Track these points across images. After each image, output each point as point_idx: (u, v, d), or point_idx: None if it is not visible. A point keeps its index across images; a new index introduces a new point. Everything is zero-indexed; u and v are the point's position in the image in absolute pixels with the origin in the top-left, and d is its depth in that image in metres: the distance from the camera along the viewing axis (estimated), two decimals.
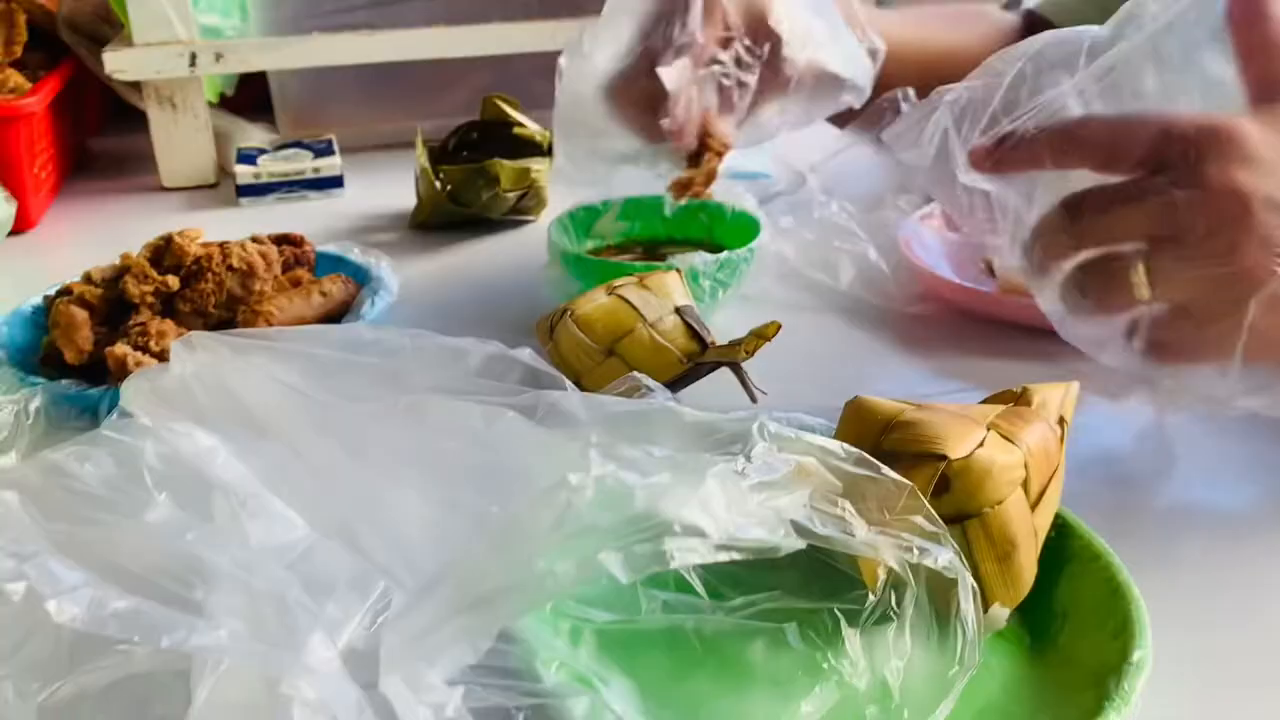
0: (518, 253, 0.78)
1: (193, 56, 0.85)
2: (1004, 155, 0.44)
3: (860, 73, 0.68)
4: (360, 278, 0.67)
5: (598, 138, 0.66)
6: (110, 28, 0.93)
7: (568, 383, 0.42)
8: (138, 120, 0.92)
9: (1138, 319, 0.42)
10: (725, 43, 0.64)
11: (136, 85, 0.89)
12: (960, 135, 0.47)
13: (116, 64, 0.84)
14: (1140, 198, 0.41)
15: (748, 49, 0.64)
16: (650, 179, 0.68)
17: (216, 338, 0.46)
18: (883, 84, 0.69)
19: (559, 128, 0.67)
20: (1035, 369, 0.57)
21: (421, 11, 0.92)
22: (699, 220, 0.71)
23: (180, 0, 0.85)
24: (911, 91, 0.68)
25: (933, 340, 0.62)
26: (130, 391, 0.43)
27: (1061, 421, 0.40)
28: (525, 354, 0.44)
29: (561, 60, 0.65)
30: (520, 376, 0.45)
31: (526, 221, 0.83)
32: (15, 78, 0.81)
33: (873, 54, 0.69)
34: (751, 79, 0.64)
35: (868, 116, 0.70)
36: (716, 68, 0.64)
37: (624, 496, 0.31)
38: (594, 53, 0.64)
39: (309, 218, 0.84)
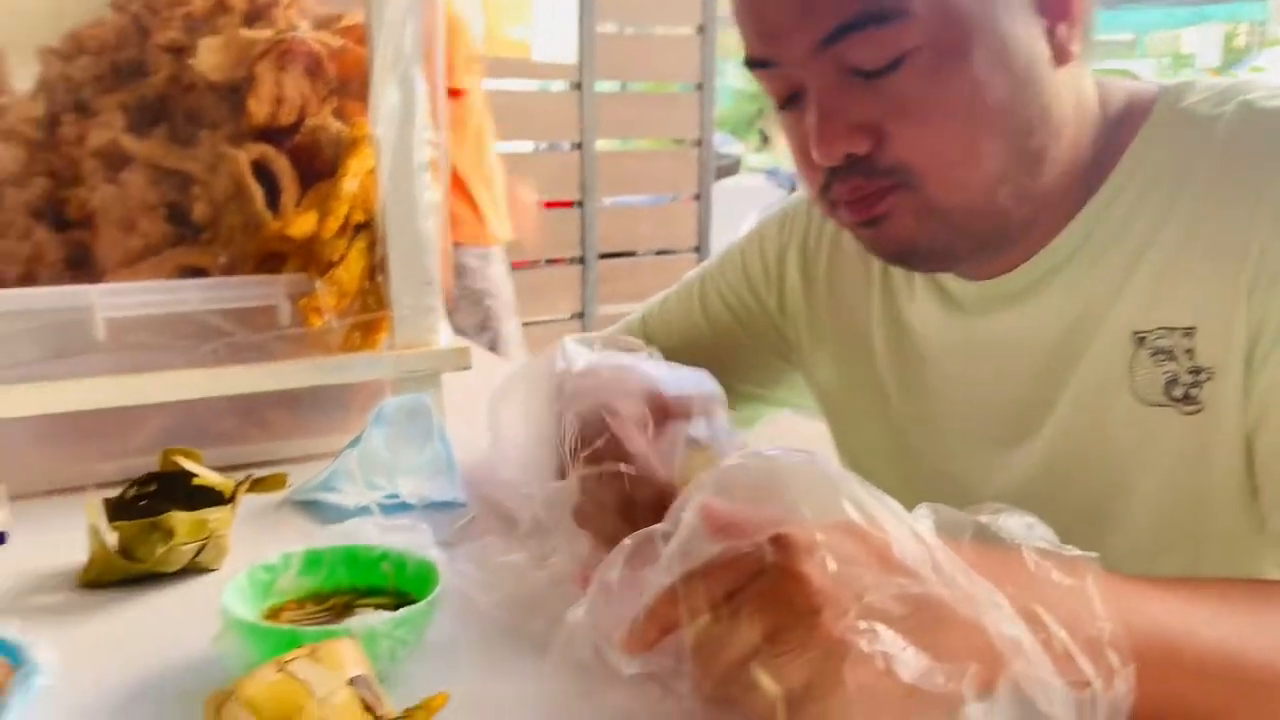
0: (194, 612, 0.75)
1: None
2: (647, 634, 0.53)
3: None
4: (11, 658, 0.63)
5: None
6: None
7: None
8: None
9: (777, 713, 0.48)
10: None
11: None
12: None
13: None
14: (739, 611, 0.48)
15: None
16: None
17: None
18: None
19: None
20: None
21: (99, 362, 0.93)
22: (381, 570, 0.73)
23: None
24: None
25: (619, 685, 0.65)
26: None
27: None
28: None
29: None
30: None
31: (207, 571, 0.82)
32: None
33: None
34: None
35: None
36: None
37: None
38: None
39: None
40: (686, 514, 0.54)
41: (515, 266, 3.12)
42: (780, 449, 0.56)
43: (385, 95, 0.96)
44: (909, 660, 0.47)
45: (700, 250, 4.63)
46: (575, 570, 0.73)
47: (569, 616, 0.58)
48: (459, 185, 2.74)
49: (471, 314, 2.82)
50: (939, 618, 0.48)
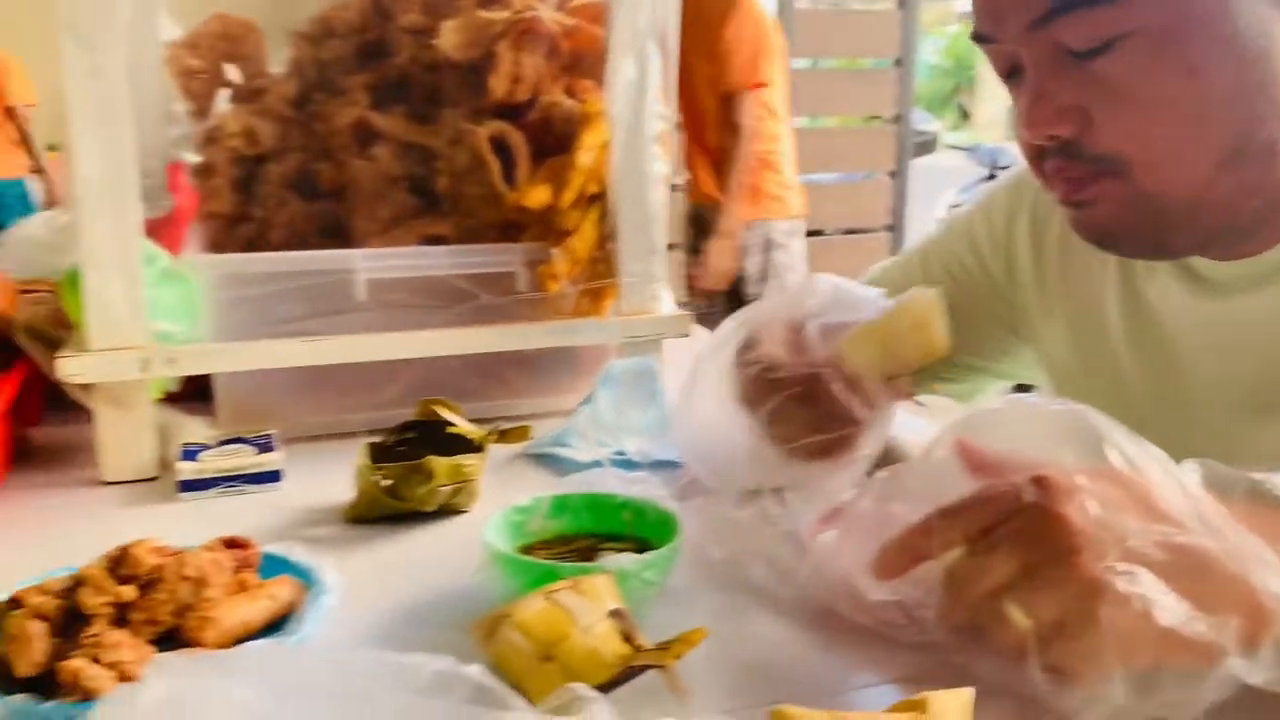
0: (452, 547, 0.82)
1: (146, 361, 0.91)
2: (898, 562, 0.55)
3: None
4: (304, 578, 0.70)
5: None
6: (63, 329, 0.98)
7: (519, 701, 0.46)
8: (74, 410, 0.96)
9: (1027, 646, 0.49)
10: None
11: (86, 385, 0.94)
12: None
13: (70, 369, 0.90)
14: (996, 547, 0.49)
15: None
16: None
17: (185, 661, 0.49)
18: None
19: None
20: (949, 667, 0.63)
21: (359, 320, 1.01)
22: (621, 517, 0.77)
23: (136, 309, 0.91)
24: None
25: (848, 634, 0.68)
26: (105, 714, 0.46)
27: None
28: (475, 671, 0.48)
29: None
30: (470, 694, 0.49)
31: (459, 513, 0.89)
32: None
33: None
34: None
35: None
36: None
37: None
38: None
39: (248, 511, 0.88)
40: (939, 450, 0.56)
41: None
42: (1036, 396, 0.57)
43: (621, 71, 1.00)
44: (1169, 605, 0.47)
45: (894, 230, 4.54)
46: (807, 526, 0.76)
47: (820, 540, 0.61)
48: (769, 163, 2.85)
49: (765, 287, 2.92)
50: (1202, 567, 0.48)
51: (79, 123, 0.87)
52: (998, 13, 0.69)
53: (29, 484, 0.94)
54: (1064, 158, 0.69)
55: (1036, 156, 0.72)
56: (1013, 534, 0.51)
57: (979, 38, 0.72)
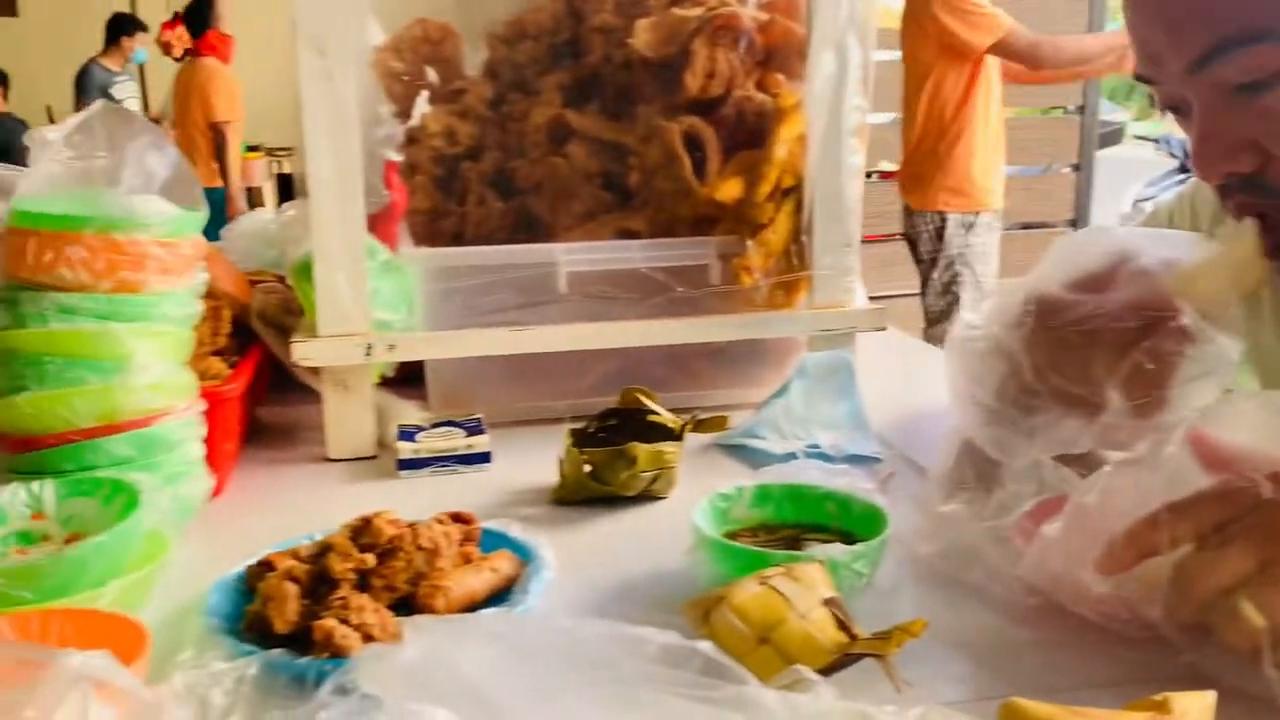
0: (655, 530, 0.84)
1: (369, 347, 0.97)
2: (1124, 557, 0.55)
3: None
4: (521, 554, 0.74)
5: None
6: (291, 316, 1.06)
7: (749, 677, 0.48)
8: (296, 390, 1.04)
9: (1261, 645, 0.48)
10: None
11: (314, 369, 1.01)
12: None
13: (303, 353, 0.96)
14: (1230, 542, 0.48)
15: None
16: None
17: (437, 622, 0.53)
18: None
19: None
20: (1173, 666, 0.61)
21: (559, 311, 1.05)
22: (825, 509, 0.77)
23: (360, 299, 0.98)
24: None
25: (1068, 631, 0.66)
26: (366, 671, 0.49)
27: None
28: (705, 646, 0.50)
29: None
30: (700, 667, 0.50)
31: (658, 499, 0.91)
32: (216, 365, 0.93)
33: None
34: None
35: None
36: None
37: None
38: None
39: (460, 489, 0.93)
40: (1172, 445, 0.55)
41: (867, 240, 3.15)
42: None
43: (820, 64, 1.01)
44: None
45: (1077, 225, 4.35)
46: (1016, 524, 0.74)
47: (1044, 531, 0.60)
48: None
49: (943, 274, 2.88)
50: None
51: (313, 126, 0.93)
52: (1155, 56, 0.67)
53: (261, 459, 1.01)
54: (1247, 192, 0.67)
55: (1220, 191, 0.70)
56: (1249, 530, 0.50)
57: (1141, 78, 0.70)
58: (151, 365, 0.76)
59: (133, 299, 0.76)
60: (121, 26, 5.19)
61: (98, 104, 0.84)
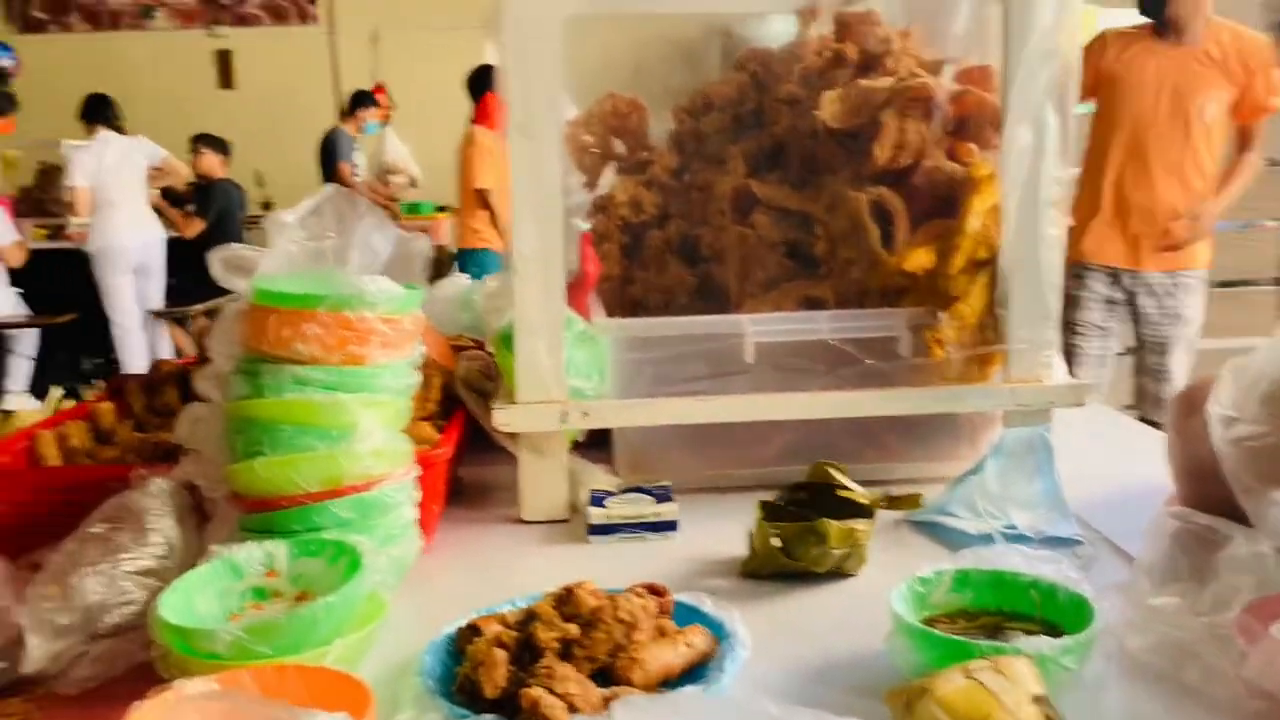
0: (846, 610, 0.84)
1: (565, 414, 1.01)
2: None
3: None
4: (715, 629, 0.75)
5: None
6: (490, 381, 1.11)
7: None
8: (490, 451, 1.08)
9: None
10: None
11: (512, 433, 1.05)
12: None
13: (503, 419, 1.01)
14: None
15: None
16: None
17: (646, 701, 0.54)
18: None
19: None
20: None
21: (746, 380, 1.06)
22: (1029, 596, 0.75)
23: (557, 368, 1.02)
24: None
25: None
26: None
27: None
28: None
29: None
30: None
31: (846, 576, 0.90)
32: (427, 430, 0.99)
33: None
34: None
35: None
36: None
37: None
38: None
39: (648, 556, 0.95)
40: None
41: None
42: None
43: (1016, 136, 0.99)
44: None
45: None
46: (1238, 619, 0.70)
47: (1275, 630, 0.56)
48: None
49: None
50: None
51: (521, 206, 0.99)
52: None
53: (461, 518, 1.06)
54: None
55: None
56: None
57: None
58: (374, 433, 0.81)
59: (358, 371, 0.82)
60: (360, 100, 5.58)
61: (328, 189, 0.92)
